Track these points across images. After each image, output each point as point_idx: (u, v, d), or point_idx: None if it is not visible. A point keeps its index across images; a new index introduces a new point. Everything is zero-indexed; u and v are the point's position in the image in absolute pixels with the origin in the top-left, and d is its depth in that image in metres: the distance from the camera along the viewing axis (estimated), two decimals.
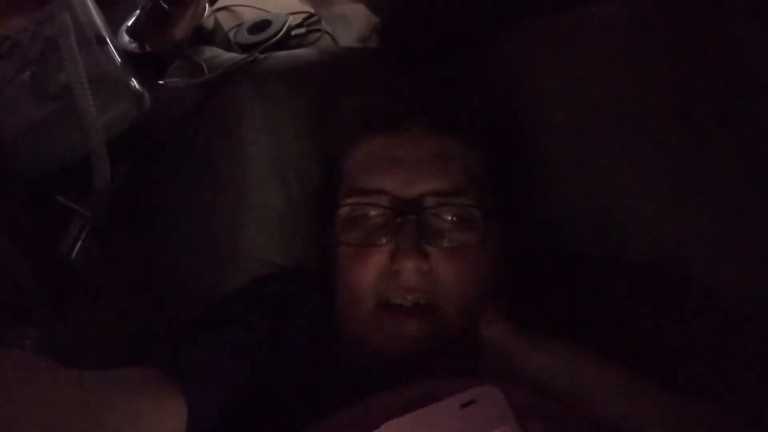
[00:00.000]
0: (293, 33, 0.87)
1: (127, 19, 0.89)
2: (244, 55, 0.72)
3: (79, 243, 0.70)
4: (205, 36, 0.85)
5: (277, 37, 0.84)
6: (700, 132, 0.54)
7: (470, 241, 0.48)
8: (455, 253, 0.48)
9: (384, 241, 0.48)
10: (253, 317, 0.55)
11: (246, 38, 0.87)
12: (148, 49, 0.83)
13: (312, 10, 0.88)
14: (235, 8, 0.96)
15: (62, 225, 0.71)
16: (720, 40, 0.57)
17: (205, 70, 0.71)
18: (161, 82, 0.72)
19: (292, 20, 0.88)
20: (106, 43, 0.76)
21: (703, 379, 0.45)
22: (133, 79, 0.74)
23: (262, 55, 0.71)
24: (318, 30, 0.88)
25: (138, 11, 0.86)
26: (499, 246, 0.52)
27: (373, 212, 0.50)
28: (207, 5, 0.85)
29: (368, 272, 0.49)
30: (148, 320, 0.61)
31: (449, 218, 0.49)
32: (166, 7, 0.82)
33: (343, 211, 0.51)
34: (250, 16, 0.94)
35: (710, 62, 0.56)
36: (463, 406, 0.38)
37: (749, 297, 0.50)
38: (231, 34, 0.89)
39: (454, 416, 0.38)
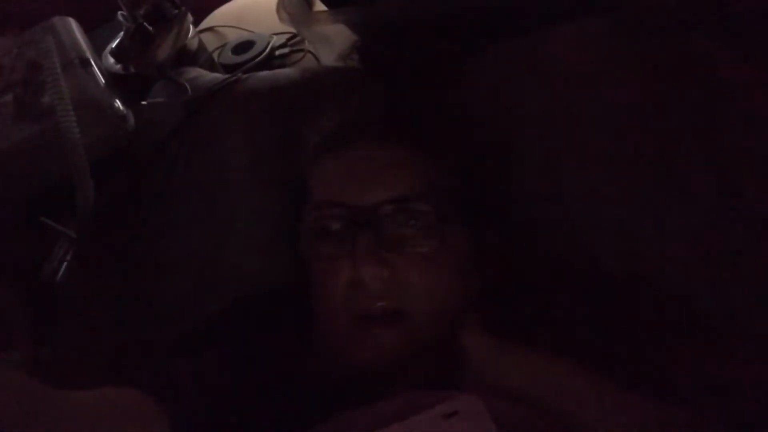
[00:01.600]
0: (277, 53, 0.88)
1: (111, 40, 0.90)
2: (226, 76, 0.73)
3: (64, 265, 0.70)
4: (189, 57, 0.86)
5: (261, 57, 0.85)
6: (674, 145, 0.55)
7: (430, 246, 0.49)
8: (417, 259, 0.49)
9: (345, 252, 0.49)
10: (236, 337, 0.55)
11: (230, 59, 0.88)
12: (132, 70, 0.84)
13: (295, 31, 0.89)
14: (219, 29, 0.97)
15: (47, 247, 0.71)
16: (694, 58, 0.58)
17: (188, 89, 0.72)
18: (144, 102, 0.73)
19: (276, 40, 0.89)
20: (90, 65, 0.77)
21: (680, 388, 0.46)
22: (117, 101, 0.75)
23: (245, 76, 0.72)
24: (301, 50, 0.89)
25: (122, 33, 0.87)
26: (463, 251, 0.52)
27: (333, 225, 0.51)
28: (191, 27, 0.86)
29: (336, 285, 0.49)
30: (131, 341, 0.61)
31: (406, 224, 0.49)
32: (150, 28, 0.83)
33: (307, 226, 0.52)
34: (233, 36, 0.95)
35: (685, 78, 0.58)
36: (445, 417, 0.38)
37: (724, 307, 0.51)
38: (215, 55, 0.90)
39: (437, 428, 0.38)
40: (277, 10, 0.71)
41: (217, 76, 0.76)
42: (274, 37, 0.89)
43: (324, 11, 0.74)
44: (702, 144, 0.55)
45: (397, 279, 0.48)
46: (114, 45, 0.86)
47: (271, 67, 0.84)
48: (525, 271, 0.55)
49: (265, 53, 0.85)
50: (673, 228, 0.54)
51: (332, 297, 0.49)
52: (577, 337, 0.49)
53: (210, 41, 0.94)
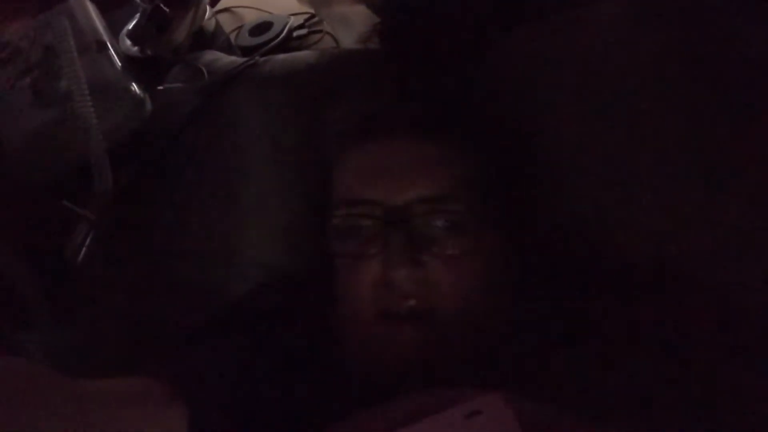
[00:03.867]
0: (295, 34, 0.87)
1: (127, 22, 0.89)
2: (243, 59, 0.72)
3: (85, 247, 0.70)
4: (206, 39, 0.85)
5: (279, 39, 0.84)
6: (708, 137, 0.52)
7: (462, 247, 0.48)
8: (449, 259, 0.47)
9: (375, 251, 0.48)
10: (255, 325, 0.54)
11: (247, 40, 0.87)
12: (148, 52, 0.83)
13: (313, 11, 0.87)
14: (236, 10, 0.95)
15: (66, 229, 0.71)
16: (722, 37, 0.55)
17: (205, 74, 0.71)
18: (160, 87, 0.72)
19: (294, 21, 0.87)
20: (107, 48, 0.76)
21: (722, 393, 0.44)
22: (134, 84, 0.74)
23: (262, 59, 0.71)
24: (320, 31, 0.87)
25: (138, 15, 0.86)
26: (496, 252, 0.51)
27: (364, 222, 0.49)
28: (207, 8, 0.85)
29: (363, 283, 0.48)
30: (149, 327, 0.61)
31: (439, 225, 0.48)
32: (166, 10, 0.81)
33: (335, 222, 0.51)
34: (251, 17, 0.94)
35: (715, 60, 0.55)
36: (468, 416, 0.37)
37: (740, 290, 0.49)
38: (232, 37, 0.89)
39: (459, 427, 0.37)
40: None
41: (235, 59, 0.74)
42: (292, 18, 0.88)
43: None
44: (737, 133, 0.53)
45: (427, 279, 0.47)
46: (130, 27, 0.85)
47: (288, 49, 0.83)
48: (557, 269, 0.54)
49: (283, 35, 0.84)
50: (708, 224, 0.51)
51: (358, 294, 0.48)
52: (604, 332, 0.47)
53: (227, 22, 0.92)
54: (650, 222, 0.53)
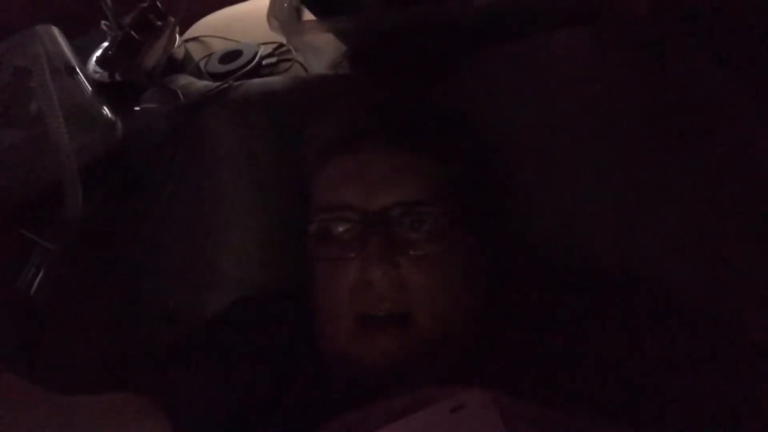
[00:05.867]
0: (264, 62, 0.89)
1: (94, 49, 0.89)
2: (218, 83, 0.73)
3: (40, 276, 0.68)
4: (176, 66, 0.86)
5: (249, 66, 0.86)
6: (661, 145, 0.58)
7: (438, 250, 0.50)
8: (425, 262, 0.49)
9: (353, 254, 0.49)
10: (234, 340, 0.54)
11: (217, 68, 0.88)
12: (118, 78, 0.84)
13: (283, 40, 0.90)
14: (205, 39, 0.97)
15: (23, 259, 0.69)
16: (677, 64, 0.61)
17: (180, 96, 0.72)
18: (137, 108, 0.72)
19: (263, 50, 0.90)
20: (77, 73, 0.76)
21: (681, 385, 0.47)
22: (105, 108, 0.74)
23: (237, 83, 0.72)
24: (289, 59, 0.89)
25: (107, 41, 0.86)
26: (469, 255, 0.53)
27: (340, 227, 0.51)
28: (177, 36, 0.87)
29: (341, 286, 0.49)
30: (129, 346, 0.60)
31: (415, 227, 0.50)
32: (136, 37, 0.82)
33: (313, 227, 0.53)
34: (218, 46, 0.95)
35: (668, 82, 0.60)
36: (452, 411, 0.39)
37: (719, 305, 0.53)
38: (202, 64, 0.90)
39: (444, 421, 0.39)
40: (268, 18, 0.72)
41: (209, 83, 0.76)
42: (262, 47, 0.90)
43: (313, 20, 0.75)
44: (688, 151, 0.58)
45: (404, 281, 0.48)
46: (99, 53, 0.86)
47: (259, 77, 0.84)
48: (527, 273, 0.56)
49: (254, 62, 0.86)
50: (666, 224, 0.55)
51: (337, 298, 0.49)
52: (578, 340, 0.50)
53: (196, 51, 0.93)
54: (600, 227, 0.57)
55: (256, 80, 0.73)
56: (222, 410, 0.48)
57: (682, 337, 0.50)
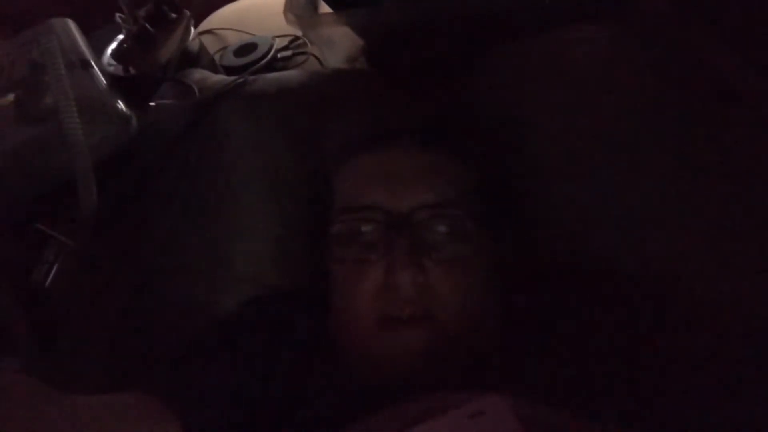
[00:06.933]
0: (279, 56, 0.88)
1: (109, 43, 0.89)
2: (233, 77, 0.72)
3: (54, 269, 0.68)
4: (191, 59, 0.85)
5: (265, 59, 0.85)
6: (685, 146, 0.56)
7: (464, 252, 0.49)
8: (450, 265, 0.48)
9: (378, 256, 0.48)
10: (248, 340, 0.54)
11: (232, 61, 0.87)
12: (132, 72, 0.83)
13: (298, 33, 0.89)
14: (219, 31, 0.96)
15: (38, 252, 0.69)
16: (699, 64, 0.59)
17: (196, 91, 0.71)
18: (152, 103, 0.72)
19: (278, 43, 0.89)
20: (91, 66, 0.75)
21: (698, 389, 0.46)
22: (119, 102, 0.74)
23: (251, 77, 0.71)
24: (304, 53, 0.88)
25: (122, 35, 0.86)
26: (493, 258, 0.52)
27: (365, 228, 0.50)
28: (192, 28, 0.86)
29: (365, 288, 0.49)
30: (139, 345, 0.60)
31: (442, 230, 0.49)
32: (151, 30, 0.82)
33: (336, 228, 0.52)
34: (233, 39, 0.95)
35: (690, 83, 0.59)
36: (472, 417, 0.38)
37: (738, 309, 0.52)
38: (216, 58, 0.90)
39: (463, 427, 0.38)
40: (284, 12, 0.71)
41: (224, 77, 0.75)
42: (276, 39, 0.89)
43: (330, 14, 0.74)
44: (710, 146, 0.56)
45: (429, 284, 0.48)
46: (114, 46, 0.85)
47: (273, 70, 0.83)
48: (541, 274, 0.55)
49: (269, 56, 0.85)
50: (689, 228, 0.54)
51: (360, 300, 0.49)
52: (592, 339, 0.49)
53: (210, 44, 0.93)
54: (631, 226, 0.55)
55: (272, 75, 0.73)
56: (235, 412, 0.48)
57: (700, 342, 0.49)
